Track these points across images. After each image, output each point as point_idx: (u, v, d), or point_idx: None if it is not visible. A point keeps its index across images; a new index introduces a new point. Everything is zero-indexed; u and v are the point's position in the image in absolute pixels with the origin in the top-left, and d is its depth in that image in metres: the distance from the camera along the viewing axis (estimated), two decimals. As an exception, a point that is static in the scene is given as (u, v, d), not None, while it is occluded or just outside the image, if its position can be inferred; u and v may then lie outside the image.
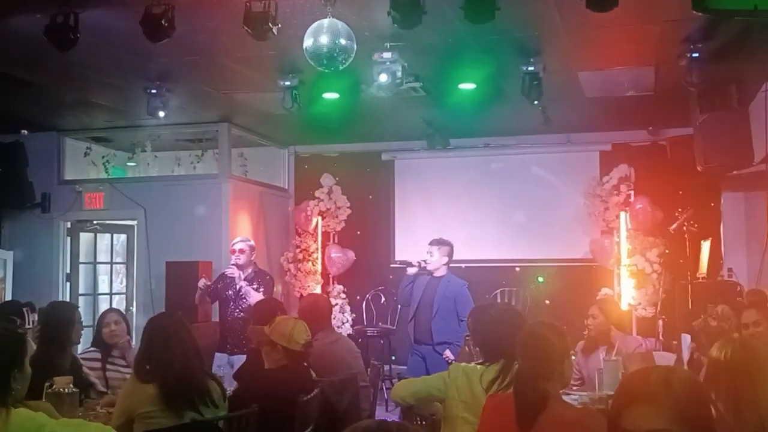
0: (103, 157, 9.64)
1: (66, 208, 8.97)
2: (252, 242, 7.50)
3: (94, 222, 9.22)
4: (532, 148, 9.42)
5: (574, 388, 4.96)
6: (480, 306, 5.17)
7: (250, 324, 5.13)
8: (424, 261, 6.83)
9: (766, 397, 2.51)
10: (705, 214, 8.21)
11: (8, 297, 8.33)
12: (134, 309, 8.96)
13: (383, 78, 5.77)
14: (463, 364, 3.93)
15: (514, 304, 8.57)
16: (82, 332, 5.12)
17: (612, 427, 1.84)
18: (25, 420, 2.10)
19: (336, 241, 9.81)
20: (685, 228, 7.74)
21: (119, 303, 9.24)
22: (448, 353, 6.58)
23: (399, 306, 8.77)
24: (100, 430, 2.36)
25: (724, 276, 7.97)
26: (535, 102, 6.19)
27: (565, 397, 4.57)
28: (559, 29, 5.55)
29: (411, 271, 6.90)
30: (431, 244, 6.93)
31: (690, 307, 7.16)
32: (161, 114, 6.97)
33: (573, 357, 3.44)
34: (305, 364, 4.33)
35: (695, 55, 5.64)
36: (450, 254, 6.91)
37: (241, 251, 7.22)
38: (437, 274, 6.84)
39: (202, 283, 7.14)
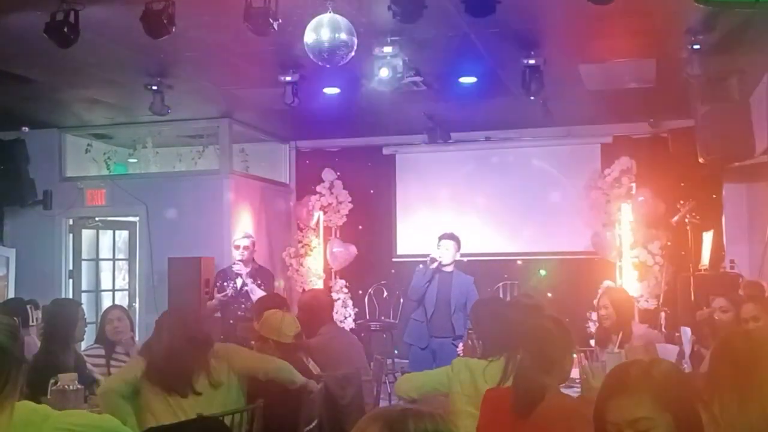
0: (104, 153, 9.64)
1: (68, 205, 8.97)
2: (253, 237, 7.52)
3: (96, 219, 9.23)
4: (534, 141, 9.42)
5: (578, 380, 4.98)
6: (482, 300, 5.18)
7: (252, 320, 5.15)
8: (440, 257, 6.82)
9: None
10: (707, 205, 8.21)
11: (11, 294, 8.35)
12: (137, 305, 8.96)
13: (384, 72, 5.77)
14: (466, 358, 3.94)
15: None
16: (86, 329, 5.14)
17: (598, 420, 1.88)
18: (29, 412, 2.13)
19: (338, 235, 9.81)
20: (687, 220, 7.74)
21: (122, 299, 9.25)
22: (461, 347, 6.64)
23: (402, 300, 8.77)
24: (104, 421, 2.38)
25: (726, 267, 7.97)
26: (532, 97, 6.18)
27: (567, 390, 4.59)
28: (560, 22, 5.54)
29: (433, 265, 6.85)
30: (446, 239, 6.92)
31: (692, 299, 7.18)
32: (167, 111, 6.97)
33: (574, 355, 3.45)
34: (304, 358, 4.35)
35: (696, 46, 5.63)
36: (460, 248, 6.94)
37: (246, 248, 7.24)
38: (447, 269, 6.87)
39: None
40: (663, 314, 7.89)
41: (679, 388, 1.85)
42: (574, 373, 5.10)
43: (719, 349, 2.76)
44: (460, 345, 6.62)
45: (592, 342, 5.55)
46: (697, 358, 4.86)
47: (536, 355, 2.98)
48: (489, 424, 3.08)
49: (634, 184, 8.66)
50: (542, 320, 3.16)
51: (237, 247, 7.30)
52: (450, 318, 6.78)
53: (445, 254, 6.85)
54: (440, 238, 6.97)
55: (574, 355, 3.85)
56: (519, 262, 9.34)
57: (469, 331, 4.96)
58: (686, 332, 5.71)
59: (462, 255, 7.47)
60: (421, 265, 7.01)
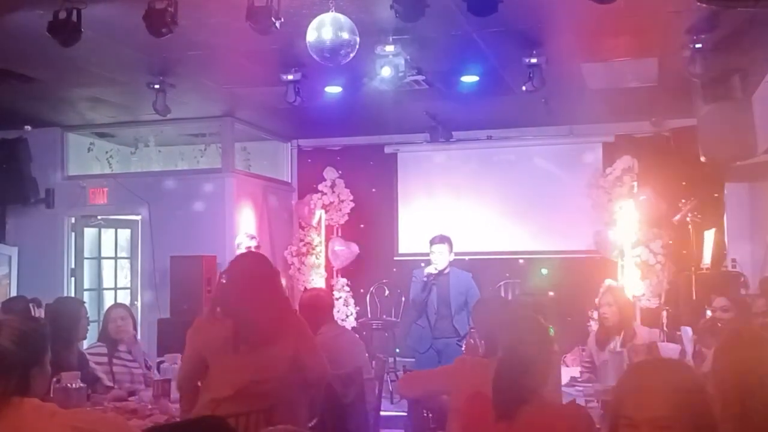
0: (106, 152, 9.65)
1: (70, 204, 8.99)
2: (257, 237, 7.54)
3: (99, 217, 9.24)
4: (535, 140, 9.42)
5: (580, 379, 4.99)
6: (484, 299, 5.19)
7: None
8: (435, 268, 6.81)
9: None
10: (709, 204, 8.21)
11: (14, 292, 8.37)
12: (139, 304, 8.98)
13: (386, 71, 5.78)
14: (468, 357, 3.95)
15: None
16: (89, 327, 5.15)
17: (613, 414, 1.89)
18: (37, 409, 2.19)
19: (339, 234, 9.82)
20: (688, 219, 7.74)
21: (124, 298, 9.26)
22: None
23: (403, 299, 8.77)
24: (110, 418, 2.41)
25: (728, 266, 7.97)
26: (531, 92, 6.18)
27: (570, 389, 4.60)
28: (562, 21, 5.54)
29: (430, 270, 6.84)
30: (438, 243, 6.87)
31: (694, 297, 7.18)
32: (169, 111, 6.98)
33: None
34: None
35: (698, 45, 5.63)
36: (452, 248, 6.93)
37: (256, 248, 7.26)
38: (444, 271, 6.87)
39: None
40: (665, 313, 7.89)
41: (699, 391, 1.86)
42: (575, 372, 5.15)
43: (721, 348, 2.76)
44: (465, 345, 6.66)
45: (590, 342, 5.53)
46: (698, 358, 4.86)
47: (512, 355, 2.97)
48: (472, 427, 3.07)
49: (635, 183, 8.66)
50: (515, 319, 3.15)
51: (248, 249, 7.31)
52: (452, 320, 6.78)
53: (440, 259, 6.83)
54: (432, 243, 6.93)
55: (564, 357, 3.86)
56: (521, 261, 9.34)
57: (472, 330, 4.97)
58: (687, 332, 5.71)
59: (464, 253, 7.46)
60: (422, 265, 7.00)
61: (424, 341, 6.85)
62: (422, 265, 7.01)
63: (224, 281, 3.85)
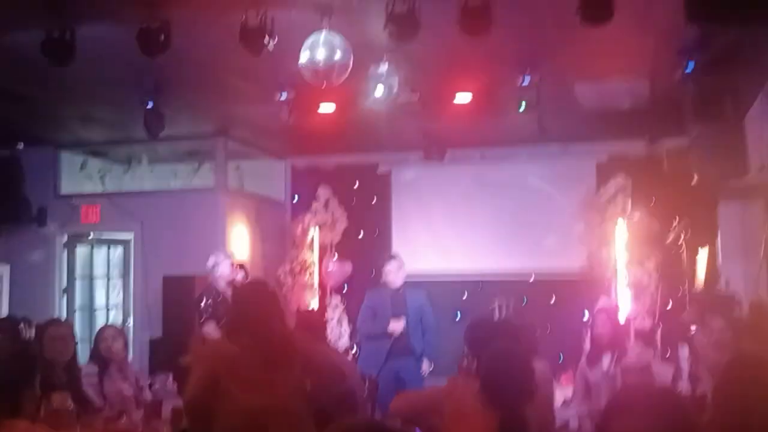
0: (99, 170, 9.63)
1: (62, 222, 8.95)
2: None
3: (91, 236, 9.21)
4: (529, 159, 9.43)
5: (573, 401, 4.97)
6: (479, 320, 5.16)
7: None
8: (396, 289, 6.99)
9: None
10: (702, 224, 8.20)
11: (5, 312, 8.31)
12: (131, 323, 8.92)
13: (379, 90, 5.79)
14: (461, 379, 3.92)
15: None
16: (74, 347, 5.08)
17: None
18: (28, 431, 2.17)
19: (333, 253, 9.79)
20: (682, 238, 7.74)
21: (116, 317, 9.21)
22: (425, 366, 6.72)
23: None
24: None
25: (723, 286, 7.96)
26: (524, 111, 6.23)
27: (564, 410, 4.58)
28: (555, 41, 5.56)
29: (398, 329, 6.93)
30: (394, 260, 7.08)
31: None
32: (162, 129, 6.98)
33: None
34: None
35: (690, 66, 5.66)
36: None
37: (241, 266, 7.23)
38: (400, 288, 6.98)
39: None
40: (658, 333, 7.88)
41: (685, 416, 1.86)
42: (569, 391, 5.13)
43: (724, 371, 2.73)
44: (424, 364, 6.72)
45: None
46: (695, 378, 4.85)
47: (513, 381, 2.91)
48: None
49: (629, 202, 8.66)
50: (504, 351, 3.12)
51: (232, 266, 7.28)
52: (409, 338, 6.85)
53: (397, 276, 7.06)
54: (387, 261, 7.11)
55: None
56: (514, 281, 9.30)
57: (464, 354, 4.95)
58: (683, 350, 5.70)
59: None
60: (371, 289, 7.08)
61: (376, 363, 6.83)
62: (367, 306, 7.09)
63: (236, 306, 3.86)
